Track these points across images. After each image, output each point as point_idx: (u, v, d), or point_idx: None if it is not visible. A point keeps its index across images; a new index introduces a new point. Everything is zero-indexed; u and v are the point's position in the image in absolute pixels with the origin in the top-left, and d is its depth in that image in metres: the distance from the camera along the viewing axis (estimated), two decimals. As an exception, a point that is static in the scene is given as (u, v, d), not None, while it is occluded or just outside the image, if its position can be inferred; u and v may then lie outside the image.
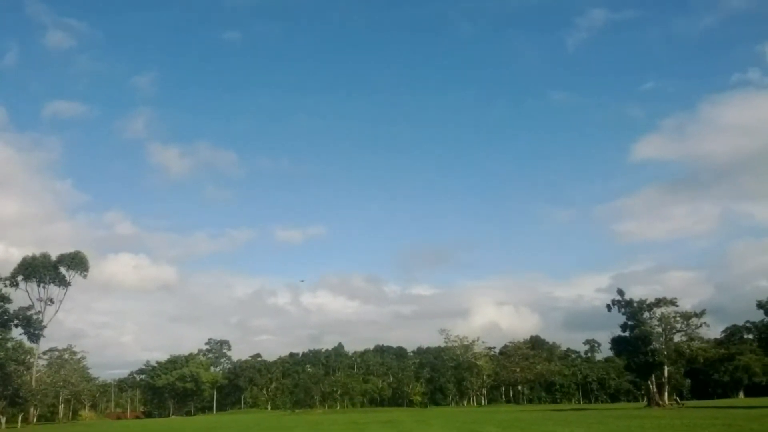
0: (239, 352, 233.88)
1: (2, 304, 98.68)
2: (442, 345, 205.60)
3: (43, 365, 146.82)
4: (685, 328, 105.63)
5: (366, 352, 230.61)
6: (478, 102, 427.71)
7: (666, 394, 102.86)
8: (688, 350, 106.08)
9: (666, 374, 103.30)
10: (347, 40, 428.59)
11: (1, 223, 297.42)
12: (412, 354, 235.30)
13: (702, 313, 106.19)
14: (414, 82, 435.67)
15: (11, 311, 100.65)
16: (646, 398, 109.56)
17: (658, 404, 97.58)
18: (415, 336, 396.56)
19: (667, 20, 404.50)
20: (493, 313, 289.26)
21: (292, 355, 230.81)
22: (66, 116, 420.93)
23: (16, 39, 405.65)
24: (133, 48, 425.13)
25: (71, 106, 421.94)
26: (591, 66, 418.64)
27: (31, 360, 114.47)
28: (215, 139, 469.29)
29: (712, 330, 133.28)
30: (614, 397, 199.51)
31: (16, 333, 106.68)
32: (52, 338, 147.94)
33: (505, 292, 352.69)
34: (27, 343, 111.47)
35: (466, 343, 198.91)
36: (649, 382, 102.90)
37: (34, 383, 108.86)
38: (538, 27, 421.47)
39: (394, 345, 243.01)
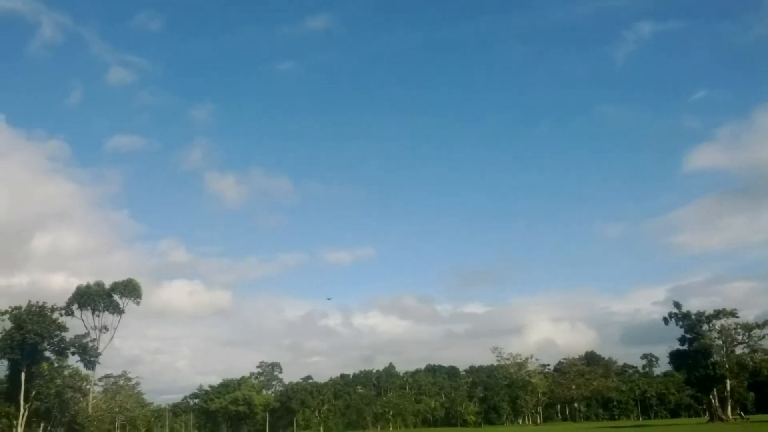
0: (291, 375, 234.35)
1: (59, 332, 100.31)
2: (495, 363, 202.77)
3: (99, 392, 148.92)
4: (746, 340, 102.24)
5: (417, 371, 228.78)
6: (527, 120, 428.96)
7: (729, 408, 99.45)
8: (750, 362, 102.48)
9: (728, 388, 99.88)
10: (395, 64, 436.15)
11: (62, 255, 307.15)
12: (464, 373, 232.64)
13: (765, 324, 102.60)
14: (462, 104, 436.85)
15: (67, 339, 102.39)
16: (708, 413, 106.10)
17: (721, 419, 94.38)
18: (468, 355, 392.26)
19: (715, 29, 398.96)
20: (549, 329, 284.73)
21: (343, 376, 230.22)
22: (126, 150, 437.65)
23: (80, 77, 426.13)
24: (192, 81, 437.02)
25: (132, 140, 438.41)
26: (640, 78, 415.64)
27: (87, 387, 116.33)
28: (270, 166, 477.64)
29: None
30: (674, 413, 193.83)
31: (73, 360, 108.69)
32: (108, 365, 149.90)
33: (561, 308, 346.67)
34: (83, 371, 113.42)
35: (519, 360, 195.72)
36: (711, 397, 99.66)
37: (90, 409, 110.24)
38: (584, 42, 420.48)
39: (446, 364, 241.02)
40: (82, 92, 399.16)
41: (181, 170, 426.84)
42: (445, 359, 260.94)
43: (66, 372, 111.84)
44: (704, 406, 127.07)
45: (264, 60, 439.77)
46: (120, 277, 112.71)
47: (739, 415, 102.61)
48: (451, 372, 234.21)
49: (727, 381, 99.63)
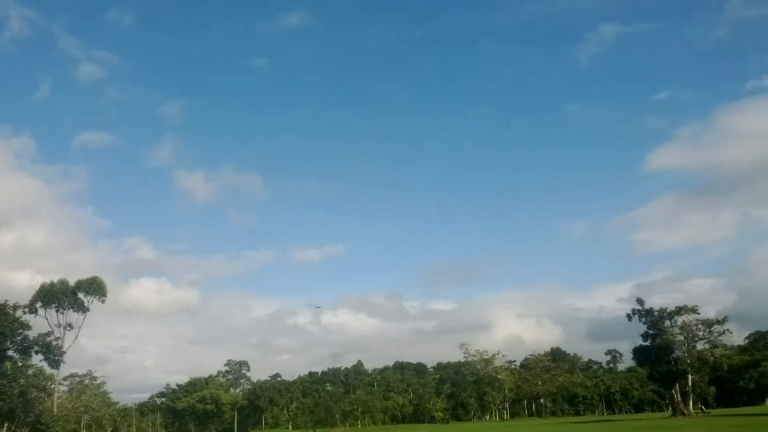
0: (259, 373, 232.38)
1: (22, 331, 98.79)
2: (462, 360, 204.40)
3: (64, 391, 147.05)
4: (707, 336, 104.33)
5: (385, 369, 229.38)
6: (495, 118, 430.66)
7: (691, 402, 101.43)
8: (711, 358, 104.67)
9: (690, 383, 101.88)
10: (369, 61, 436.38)
11: (27, 252, 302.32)
12: (432, 370, 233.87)
13: (724, 320, 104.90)
14: (433, 102, 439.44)
15: (31, 338, 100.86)
16: (670, 408, 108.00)
17: (683, 413, 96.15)
18: (436, 352, 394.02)
19: (679, 31, 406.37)
20: (515, 326, 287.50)
21: (311, 374, 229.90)
22: (94, 146, 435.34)
23: (49, 73, 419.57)
24: (162, 77, 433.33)
25: (100, 137, 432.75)
26: (604, 78, 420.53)
27: (52, 386, 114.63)
28: (240, 163, 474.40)
29: (736, 337, 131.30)
30: (638, 408, 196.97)
31: (37, 359, 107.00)
32: (74, 364, 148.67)
33: (527, 305, 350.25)
34: (47, 370, 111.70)
35: (486, 357, 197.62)
36: (673, 391, 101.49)
37: (55, 409, 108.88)
38: (550, 42, 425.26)
39: (414, 361, 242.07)
40: (51, 88, 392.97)
41: (149, 167, 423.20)
42: (413, 356, 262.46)
43: (30, 371, 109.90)
44: (667, 401, 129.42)
45: (236, 56, 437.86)
46: (85, 275, 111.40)
47: (701, 409, 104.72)
48: (419, 369, 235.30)
49: (689, 376, 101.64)
